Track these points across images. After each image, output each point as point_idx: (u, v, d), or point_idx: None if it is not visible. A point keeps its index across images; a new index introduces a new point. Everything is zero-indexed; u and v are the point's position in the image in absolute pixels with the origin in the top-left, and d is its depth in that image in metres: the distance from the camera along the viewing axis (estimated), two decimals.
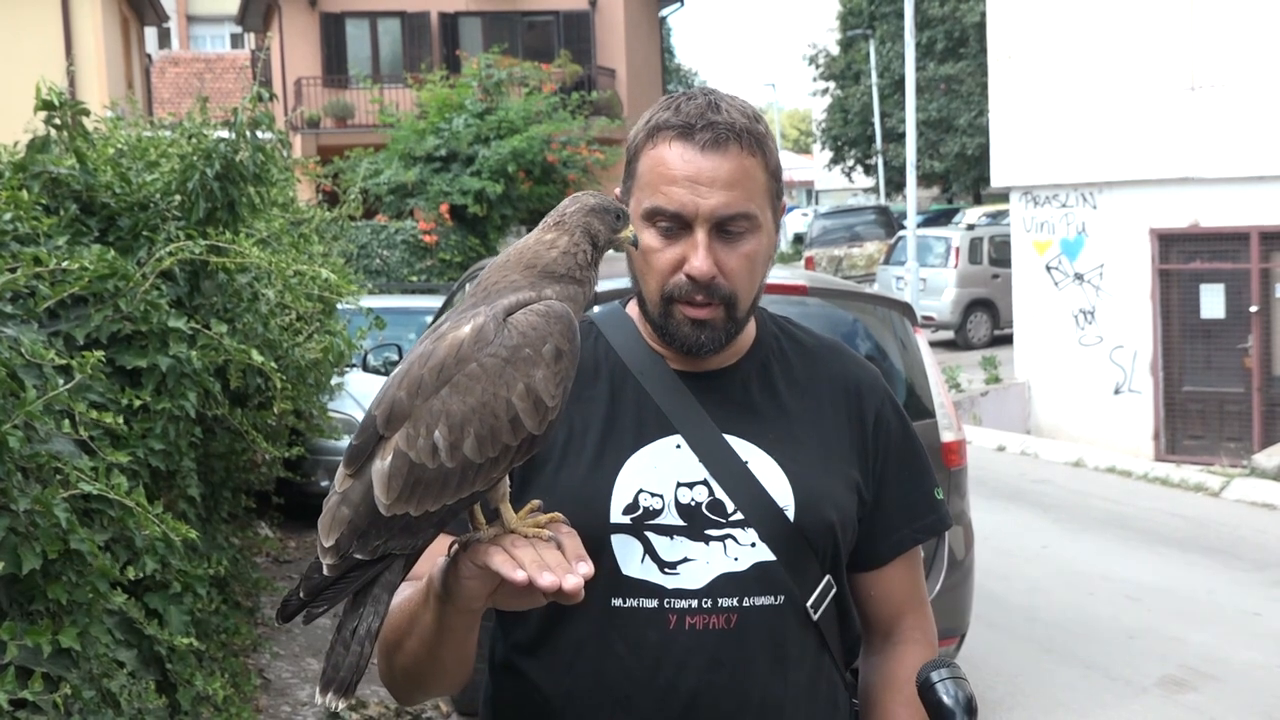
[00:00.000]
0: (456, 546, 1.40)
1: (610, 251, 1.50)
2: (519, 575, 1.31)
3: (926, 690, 1.56)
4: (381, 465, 1.32)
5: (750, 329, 1.73)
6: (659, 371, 1.67)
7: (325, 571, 1.34)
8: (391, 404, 1.33)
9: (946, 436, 4.97)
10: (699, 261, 1.58)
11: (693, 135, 1.59)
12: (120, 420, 2.88)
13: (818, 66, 37.92)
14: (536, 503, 1.43)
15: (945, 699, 1.55)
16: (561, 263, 1.41)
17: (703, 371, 1.69)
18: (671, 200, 1.59)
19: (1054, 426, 13.73)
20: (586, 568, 1.33)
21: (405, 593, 1.46)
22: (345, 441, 7.78)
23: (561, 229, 1.44)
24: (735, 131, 1.60)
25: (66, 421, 2.70)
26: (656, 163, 1.61)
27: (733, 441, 1.64)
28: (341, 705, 1.35)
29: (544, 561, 1.33)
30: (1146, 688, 5.80)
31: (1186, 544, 8.50)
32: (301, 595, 1.36)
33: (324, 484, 8.45)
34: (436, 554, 1.45)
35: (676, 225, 1.59)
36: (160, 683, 3.21)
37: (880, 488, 1.73)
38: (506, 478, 1.38)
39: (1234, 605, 7.08)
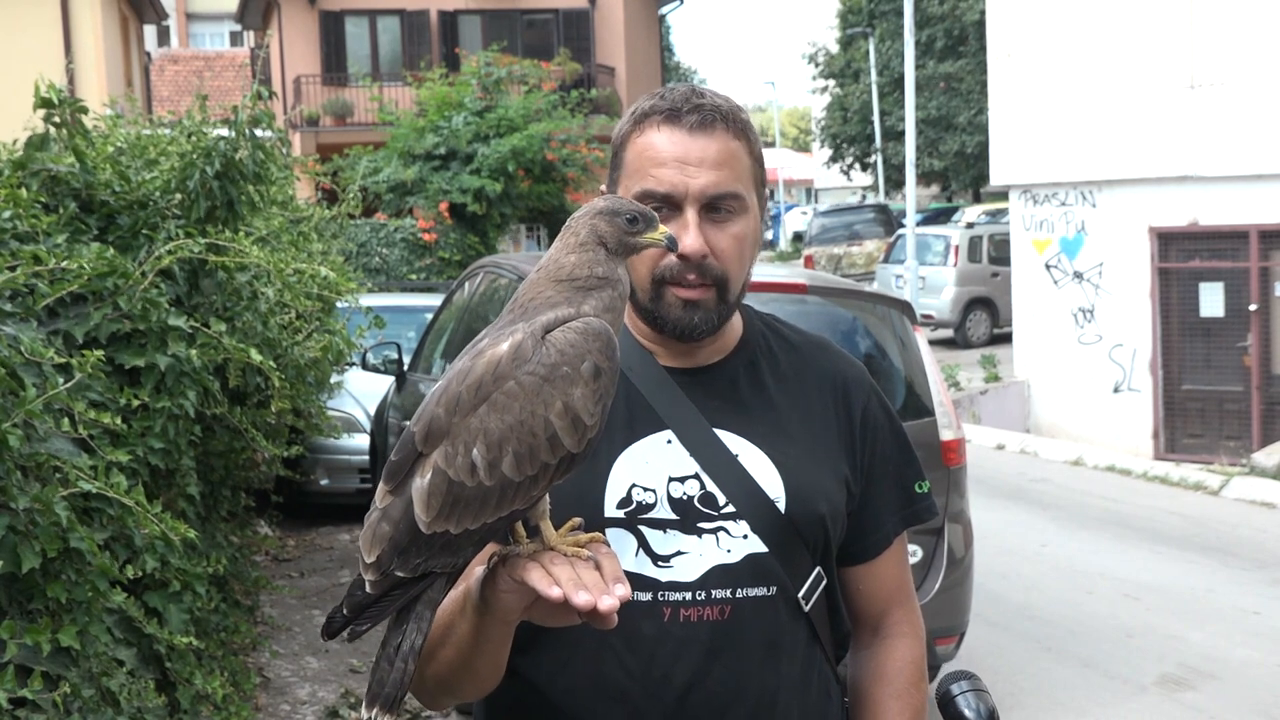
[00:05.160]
0: (495, 559, 1.41)
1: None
2: (554, 592, 1.31)
3: (946, 703, 1.54)
4: (421, 483, 1.32)
5: (737, 326, 1.75)
6: (648, 368, 1.68)
7: (368, 589, 1.34)
8: (430, 421, 1.33)
9: (946, 435, 4.97)
10: (690, 239, 1.60)
11: (680, 118, 1.62)
12: (119, 419, 2.88)
13: (817, 65, 37.91)
14: (577, 521, 1.44)
15: (967, 712, 1.52)
16: (578, 268, 1.41)
17: (691, 368, 1.70)
18: (661, 182, 1.61)
19: (1053, 425, 13.74)
20: (624, 590, 1.33)
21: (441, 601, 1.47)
22: (344, 440, 7.80)
23: (570, 232, 1.45)
24: (720, 113, 1.63)
25: (66, 420, 2.70)
26: (644, 148, 1.63)
27: (722, 436, 1.65)
28: None
29: (581, 581, 1.32)
30: (1145, 686, 5.80)
31: (1185, 543, 8.50)
32: (345, 612, 1.36)
33: (323, 482, 8.46)
34: (480, 562, 1.46)
35: (666, 207, 1.61)
36: (160, 681, 3.22)
37: (868, 482, 1.75)
38: (547, 495, 1.38)
39: (1233, 604, 7.08)
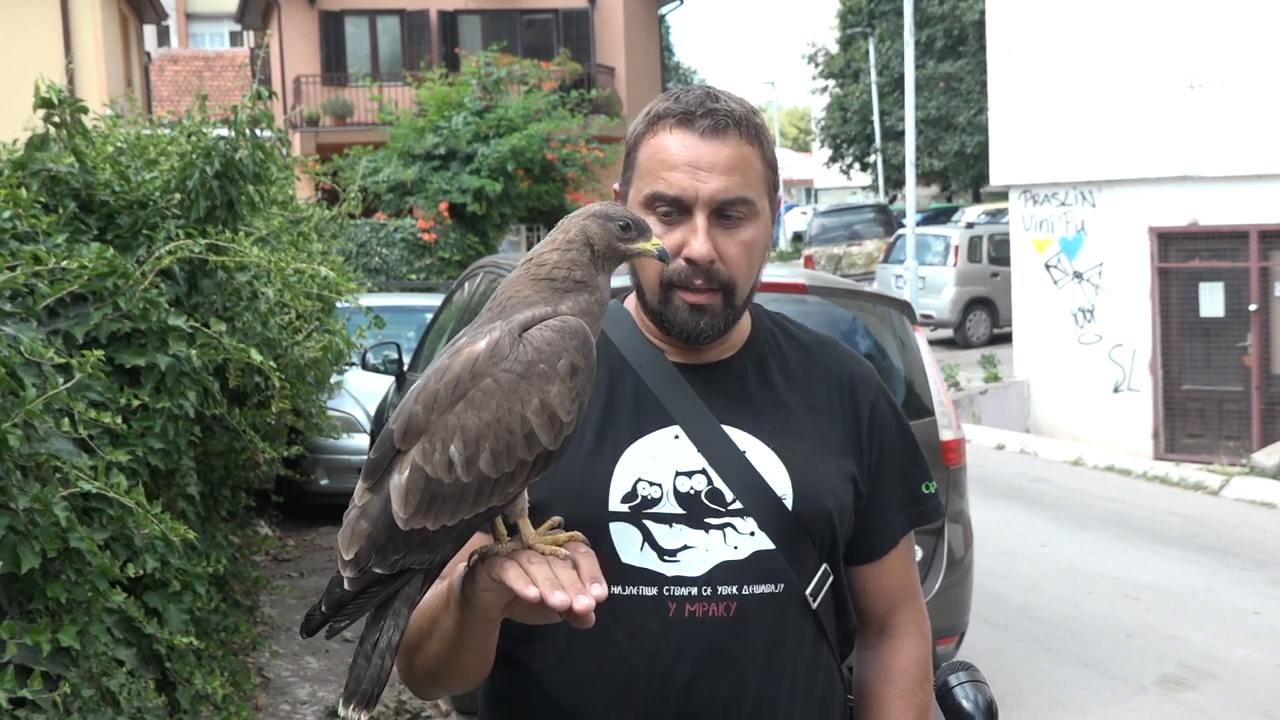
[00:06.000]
0: (475, 557, 1.41)
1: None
2: (531, 592, 1.32)
3: (945, 695, 1.54)
4: (399, 480, 1.33)
5: (746, 323, 1.75)
6: (657, 364, 1.69)
7: (346, 585, 1.36)
8: (408, 418, 1.35)
9: (945, 435, 4.97)
10: (698, 245, 1.60)
11: (693, 122, 1.62)
12: (119, 419, 2.88)
13: (817, 65, 37.90)
14: (557, 519, 1.44)
15: (964, 703, 1.53)
16: (558, 267, 1.42)
17: (700, 364, 1.70)
18: (671, 185, 1.61)
19: (1053, 425, 13.74)
20: (600, 589, 1.34)
21: (427, 595, 1.48)
22: (344, 440, 7.80)
23: (560, 230, 1.46)
24: (734, 119, 1.63)
25: (66, 420, 2.70)
26: (657, 150, 1.63)
27: (730, 432, 1.66)
28: (364, 717, 1.36)
29: (557, 580, 1.33)
30: (1145, 686, 5.80)
31: (1185, 542, 8.50)
32: (324, 609, 1.38)
33: (323, 482, 8.46)
34: (463, 559, 1.47)
35: (676, 210, 1.62)
36: (159, 681, 3.22)
37: (875, 481, 1.75)
38: (525, 492, 1.39)
39: (1232, 604, 7.08)
